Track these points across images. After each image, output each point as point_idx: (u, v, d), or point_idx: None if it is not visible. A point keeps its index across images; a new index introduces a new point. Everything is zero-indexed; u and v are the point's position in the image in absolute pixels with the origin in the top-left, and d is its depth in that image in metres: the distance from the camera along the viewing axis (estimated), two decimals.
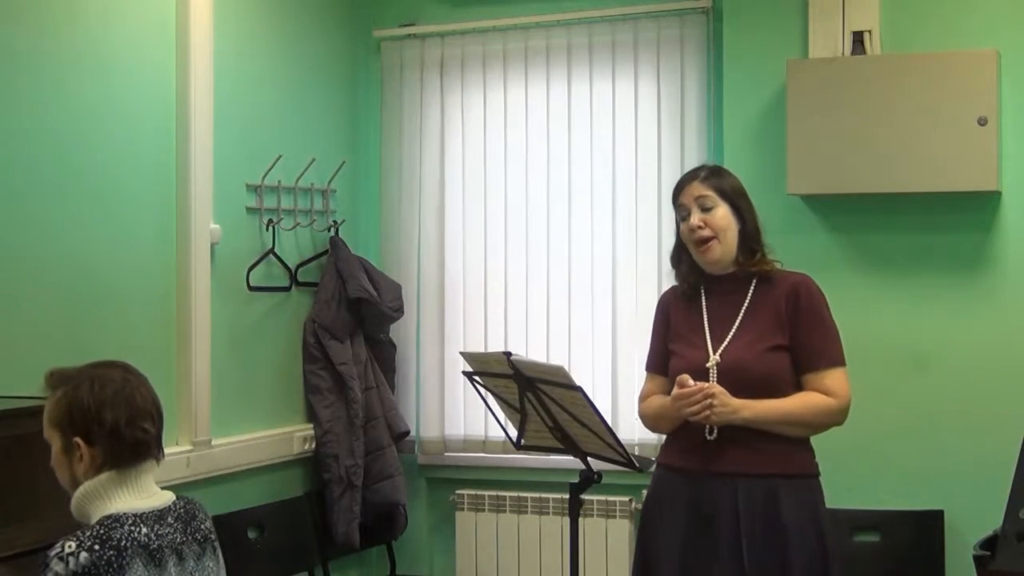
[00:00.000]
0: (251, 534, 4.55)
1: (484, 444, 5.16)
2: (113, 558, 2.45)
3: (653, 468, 3.44)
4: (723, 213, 3.32)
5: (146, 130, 4.19)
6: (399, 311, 5.06)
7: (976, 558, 3.38)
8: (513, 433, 3.64)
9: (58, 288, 3.84)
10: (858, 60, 4.44)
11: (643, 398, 3.51)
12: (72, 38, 3.90)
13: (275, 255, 4.78)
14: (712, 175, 3.38)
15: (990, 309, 4.42)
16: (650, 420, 3.48)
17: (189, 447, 4.27)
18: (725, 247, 3.32)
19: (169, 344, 4.28)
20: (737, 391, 3.20)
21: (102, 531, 2.48)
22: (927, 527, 4.38)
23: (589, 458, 3.47)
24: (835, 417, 3.30)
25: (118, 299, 4.06)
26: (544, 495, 4.99)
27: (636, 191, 4.97)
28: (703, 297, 3.39)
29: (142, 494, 2.59)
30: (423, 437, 5.22)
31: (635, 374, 4.99)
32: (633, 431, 4.93)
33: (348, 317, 4.92)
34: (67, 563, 2.41)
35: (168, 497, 2.64)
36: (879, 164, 4.34)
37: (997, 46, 4.33)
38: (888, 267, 4.50)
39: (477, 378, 3.62)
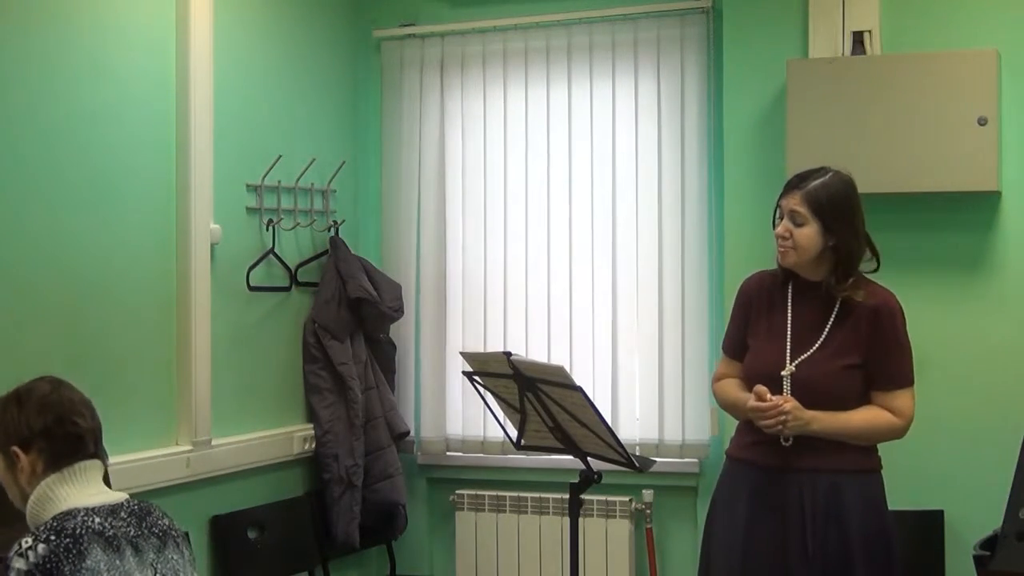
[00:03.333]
0: (251, 534, 4.55)
1: (484, 444, 5.15)
2: (71, 545, 2.49)
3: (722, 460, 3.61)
4: (809, 233, 3.33)
5: (146, 130, 4.19)
6: (399, 311, 5.05)
7: (976, 558, 3.38)
8: (513, 433, 3.65)
9: (58, 288, 3.83)
10: (858, 60, 4.44)
11: (717, 378, 3.63)
12: (71, 39, 3.89)
13: (275, 255, 4.78)
14: (816, 191, 3.33)
15: (990, 309, 4.42)
16: (722, 404, 3.62)
17: (189, 447, 4.27)
18: (800, 258, 3.36)
19: (169, 344, 4.28)
20: (806, 402, 3.33)
21: (55, 524, 2.52)
22: (927, 527, 4.39)
23: (589, 458, 3.48)
24: (897, 434, 3.44)
25: (118, 299, 4.06)
26: (544, 495, 4.99)
27: (636, 191, 4.96)
28: (789, 297, 3.45)
29: (90, 491, 2.62)
30: (423, 437, 5.22)
31: (635, 374, 4.99)
32: (633, 431, 4.94)
33: (348, 317, 4.91)
34: (27, 557, 2.45)
35: (121, 496, 2.68)
36: (879, 164, 4.33)
37: (997, 46, 4.33)
38: (888, 267, 4.45)
39: (477, 378, 3.62)
